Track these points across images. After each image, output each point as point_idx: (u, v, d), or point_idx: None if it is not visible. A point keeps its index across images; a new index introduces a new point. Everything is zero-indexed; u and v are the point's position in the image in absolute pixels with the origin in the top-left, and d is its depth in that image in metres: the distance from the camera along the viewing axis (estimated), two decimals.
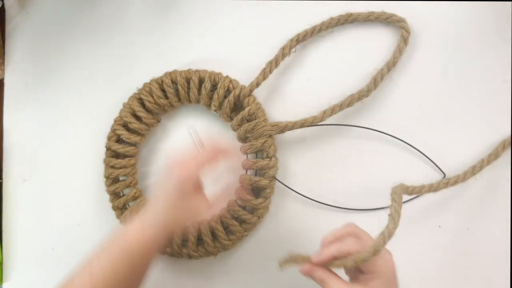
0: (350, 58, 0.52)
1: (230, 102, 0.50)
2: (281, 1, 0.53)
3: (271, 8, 0.54)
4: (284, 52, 0.51)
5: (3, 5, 0.61)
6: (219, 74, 0.52)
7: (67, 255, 0.57)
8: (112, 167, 0.53)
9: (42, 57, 0.60)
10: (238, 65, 0.53)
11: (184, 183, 0.41)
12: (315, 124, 0.49)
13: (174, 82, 0.53)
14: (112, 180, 0.53)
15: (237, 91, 0.50)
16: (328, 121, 0.50)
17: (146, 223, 0.42)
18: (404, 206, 0.50)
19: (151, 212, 0.42)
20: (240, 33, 0.54)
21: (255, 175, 0.52)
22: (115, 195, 0.53)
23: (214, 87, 0.52)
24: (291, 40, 0.51)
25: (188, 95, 0.52)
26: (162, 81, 0.53)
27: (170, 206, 0.41)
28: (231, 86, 0.51)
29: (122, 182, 0.53)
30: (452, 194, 0.50)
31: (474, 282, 0.50)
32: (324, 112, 0.49)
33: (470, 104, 0.50)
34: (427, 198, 0.50)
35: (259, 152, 0.51)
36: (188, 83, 0.52)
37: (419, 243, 0.50)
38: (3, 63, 0.61)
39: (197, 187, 0.43)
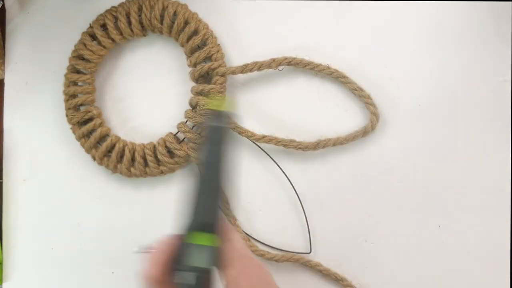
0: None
1: (203, 69, 0.52)
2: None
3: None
4: (271, 64, 0.51)
5: (3, 5, 0.61)
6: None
7: (67, 255, 0.57)
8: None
9: (42, 57, 0.60)
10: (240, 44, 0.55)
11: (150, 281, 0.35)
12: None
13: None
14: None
15: (215, 65, 0.52)
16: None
17: None
18: (403, 205, 0.51)
19: None
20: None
21: (192, 128, 0.54)
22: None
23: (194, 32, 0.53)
24: (285, 58, 0.51)
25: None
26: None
27: None
28: (216, 56, 0.52)
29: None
30: (452, 194, 0.50)
31: (474, 282, 0.50)
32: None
33: (470, 104, 0.50)
34: (427, 198, 0.50)
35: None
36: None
37: (419, 243, 0.50)
38: (3, 63, 0.61)
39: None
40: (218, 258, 0.32)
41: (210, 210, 0.33)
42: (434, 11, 0.51)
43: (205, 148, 0.34)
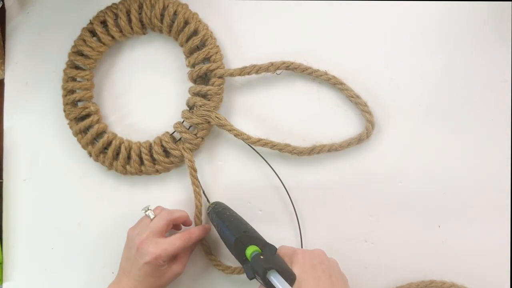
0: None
1: (202, 70, 0.52)
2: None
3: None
4: (269, 68, 0.51)
5: (3, 5, 0.61)
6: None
7: (67, 255, 0.57)
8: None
9: (42, 57, 0.60)
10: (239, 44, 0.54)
11: (158, 263, 0.45)
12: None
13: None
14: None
15: (214, 66, 0.51)
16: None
17: None
18: (404, 205, 0.51)
19: None
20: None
21: (189, 128, 0.54)
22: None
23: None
24: (283, 62, 0.51)
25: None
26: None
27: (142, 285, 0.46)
28: (215, 57, 0.52)
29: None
30: (452, 194, 0.50)
31: (474, 282, 0.49)
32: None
33: (470, 104, 0.50)
34: (427, 198, 0.50)
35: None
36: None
37: (419, 243, 0.50)
38: (3, 63, 0.61)
39: (173, 257, 0.48)
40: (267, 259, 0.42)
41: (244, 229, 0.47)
42: (434, 11, 0.51)
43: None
